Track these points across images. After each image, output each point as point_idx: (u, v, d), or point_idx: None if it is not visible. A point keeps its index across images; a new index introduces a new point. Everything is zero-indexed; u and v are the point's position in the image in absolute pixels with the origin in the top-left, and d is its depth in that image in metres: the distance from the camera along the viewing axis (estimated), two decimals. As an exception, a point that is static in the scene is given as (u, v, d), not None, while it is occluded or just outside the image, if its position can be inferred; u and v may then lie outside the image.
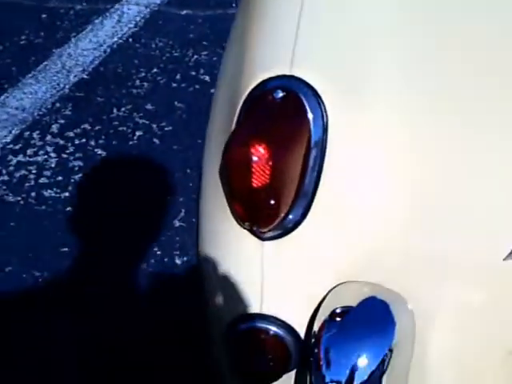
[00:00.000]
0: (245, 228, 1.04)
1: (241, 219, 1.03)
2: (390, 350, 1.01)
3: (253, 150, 0.96)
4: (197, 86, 3.18)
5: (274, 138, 0.98)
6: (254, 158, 0.96)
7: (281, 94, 1.02)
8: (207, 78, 3.21)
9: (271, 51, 1.08)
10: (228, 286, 1.09)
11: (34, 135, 2.86)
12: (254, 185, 0.97)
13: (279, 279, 1.06)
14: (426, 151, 1.04)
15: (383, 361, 1.01)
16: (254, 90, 1.05)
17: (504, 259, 1.01)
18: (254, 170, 0.97)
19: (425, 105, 1.05)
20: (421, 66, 1.06)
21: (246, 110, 1.04)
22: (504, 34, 1.07)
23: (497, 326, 1.07)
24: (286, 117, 1.02)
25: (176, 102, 3.07)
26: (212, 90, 3.22)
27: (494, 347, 1.08)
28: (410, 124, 1.05)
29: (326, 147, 1.03)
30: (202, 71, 3.28)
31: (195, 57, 3.38)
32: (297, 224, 1.04)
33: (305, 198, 1.03)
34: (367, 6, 1.09)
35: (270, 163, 0.96)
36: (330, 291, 1.06)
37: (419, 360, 1.08)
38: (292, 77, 1.03)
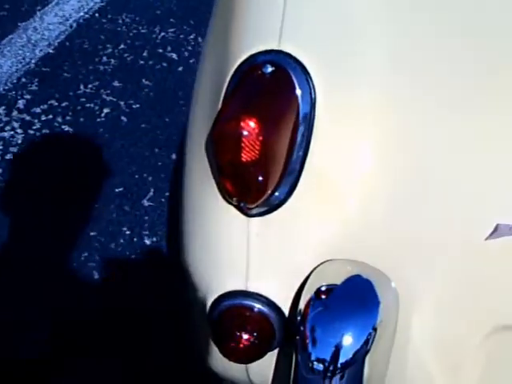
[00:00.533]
0: (232, 204, 1.03)
1: (228, 195, 1.02)
2: (374, 329, 1.01)
3: (243, 124, 0.94)
4: (164, 64, 3.15)
5: (264, 112, 0.96)
6: (245, 133, 0.94)
7: (270, 69, 1.00)
8: (174, 56, 3.18)
9: (259, 26, 1.06)
10: (212, 263, 1.08)
11: (0, 110, 2.81)
12: (244, 160, 0.96)
13: (264, 256, 1.05)
14: (413, 131, 1.04)
15: (367, 340, 1.00)
16: (242, 64, 1.03)
17: (486, 239, 1.01)
18: (243, 144, 0.95)
19: (414, 85, 1.05)
20: (412, 44, 1.06)
21: (234, 85, 1.03)
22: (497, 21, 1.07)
23: (479, 305, 1.08)
24: (276, 92, 1.01)
25: (143, 80, 3.04)
26: (180, 68, 3.17)
27: (477, 326, 1.09)
28: (398, 104, 1.04)
29: (313, 124, 1.02)
30: (169, 49, 3.25)
31: (162, 34, 3.34)
32: (283, 201, 1.03)
33: (292, 175, 1.02)
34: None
35: (261, 138, 0.95)
36: (314, 269, 1.05)
37: (401, 338, 1.08)
38: (281, 52, 1.02)
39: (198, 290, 1.10)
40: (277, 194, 1.02)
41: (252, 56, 1.03)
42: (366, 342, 1.00)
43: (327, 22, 1.06)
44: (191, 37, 3.28)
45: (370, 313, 1.02)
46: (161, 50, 3.24)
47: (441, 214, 1.04)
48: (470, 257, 1.04)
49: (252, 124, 0.94)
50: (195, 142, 1.10)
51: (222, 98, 1.04)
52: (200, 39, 3.21)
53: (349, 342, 1.00)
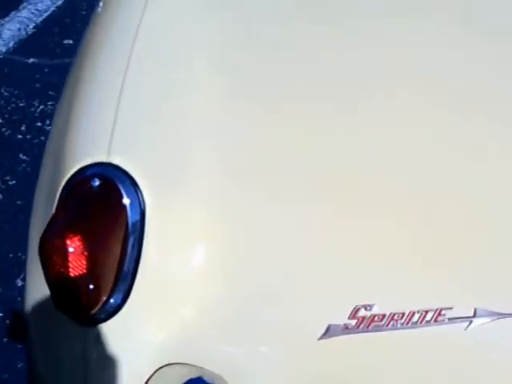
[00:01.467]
0: (66, 314, 1.04)
1: (60, 307, 1.03)
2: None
3: (68, 242, 0.97)
4: (42, 138, 3.13)
5: (89, 227, 0.99)
6: (70, 249, 0.97)
7: (97, 182, 1.04)
8: (53, 129, 3.16)
9: (90, 138, 1.10)
10: (54, 374, 1.08)
11: None
12: (72, 274, 0.98)
13: (101, 365, 1.06)
14: (239, 234, 1.09)
15: None
16: (73, 176, 1.06)
17: (319, 339, 1.05)
18: (70, 260, 0.97)
19: (241, 194, 1.10)
20: (242, 159, 1.12)
21: (64, 198, 1.05)
22: None
23: None
24: (103, 205, 1.04)
25: (21, 155, 3.01)
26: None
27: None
28: (224, 207, 1.09)
29: (143, 231, 1.05)
30: (47, 122, 3.23)
31: (41, 107, 3.33)
32: (119, 307, 1.05)
33: (125, 281, 1.04)
34: (186, 95, 1.13)
35: (86, 253, 0.97)
36: (154, 373, 1.07)
37: None
38: (109, 164, 1.05)
39: None
40: (112, 300, 1.04)
41: (82, 169, 1.06)
42: None
43: (156, 135, 1.11)
44: (70, 109, 3.27)
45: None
46: (39, 124, 3.22)
47: (275, 316, 1.08)
48: (306, 356, 1.08)
49: (76, 241, 0.97)
50: (34, 254, 1.10)
51: (53, 212, 1.06)
52: (80, 111, 3.19)
53: None
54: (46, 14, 4.04)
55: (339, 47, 1.26)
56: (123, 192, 1.04)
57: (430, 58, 1.25)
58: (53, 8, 4.11)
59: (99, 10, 1.38)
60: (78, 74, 1.24)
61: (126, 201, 1.04)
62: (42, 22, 3.98)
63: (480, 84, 1.22)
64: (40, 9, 4.10)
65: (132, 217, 1.04)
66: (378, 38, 1.27)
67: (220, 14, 1.31)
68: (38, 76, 3.57)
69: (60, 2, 4.14)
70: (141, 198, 1.05)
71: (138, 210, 1.04)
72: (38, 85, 3.51)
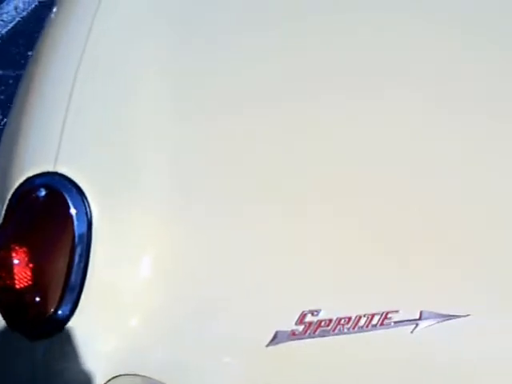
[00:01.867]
0: (13, 329, 1.03)
1: (7, 321, 1.02)
2: None
3: (13, 254, 0.96)
4: (6, 150, 3.10)
5: (35, 239, 0.99)
6: (15, 261, 0.96)
7: (44, 193, 1.03)
8: (17, 141, 3.14)
9: (37, 147, 1.09)
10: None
11: None
12: (17, 287, 0.97)
13: (52, 377, 1.05)
14: (188, 244, 1.09)
15: None
16: (20, 186, 1.06)
17: (267, 345, 1.05)
18: (15, 272, 0.97)
19: (189, 205, 1.10)
20: (190, 163, 1.12)
21: (11, 209, 1.04)
22: None
23: None
24: (48, 215, 1.03)
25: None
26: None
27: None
28: (172, 219, 1.09)
29: (91, 241, 1.05)
30: (11, 134, 3.21)
31: (5, 120, 3.31)
32: (67, 319, 1.04)
33: (72, 293, 1.04)
34: (135, 104, 1.13)
35: (31, 265, 0.97)
36: (102, 387, 1.07)
37: None
38: (56, 174, 1.05)
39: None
40: (60, 312, 1.03)
41: (29, 178, 1.05)
42: None
43: (104, 144, 1.10)
44: (35, 120, 3.25)
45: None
46: (3, 136, 3.20)
47: (222, 325, 1.08)
48: (254, 363, 1.08)
49: (22, 252, 0.96)
50: None
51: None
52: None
53: None
54: (11, 25, 4.03)
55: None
56: (70, 202, 1.03)
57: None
58: (18, 19, 4.09)
59: (52, 16, 1.37)
60: (28, 82, 1.24)
61: (72, 211, 1.03)
62: (6, 32, 3.97)
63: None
64: (5, 19, 4.09)
65: (79, 227, 1.03)
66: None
67: (171, 19, 1.31)
68: (2, 88, 3.55)
69: (25, 13, 4.13)
70: (88, 208, 1.04)
71: (85, 220, 1.04)
72: (2, 96, 3.49)
